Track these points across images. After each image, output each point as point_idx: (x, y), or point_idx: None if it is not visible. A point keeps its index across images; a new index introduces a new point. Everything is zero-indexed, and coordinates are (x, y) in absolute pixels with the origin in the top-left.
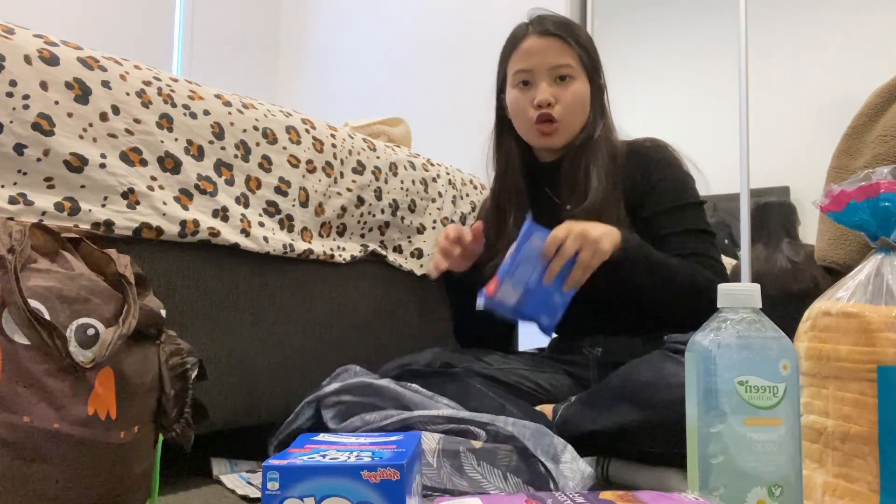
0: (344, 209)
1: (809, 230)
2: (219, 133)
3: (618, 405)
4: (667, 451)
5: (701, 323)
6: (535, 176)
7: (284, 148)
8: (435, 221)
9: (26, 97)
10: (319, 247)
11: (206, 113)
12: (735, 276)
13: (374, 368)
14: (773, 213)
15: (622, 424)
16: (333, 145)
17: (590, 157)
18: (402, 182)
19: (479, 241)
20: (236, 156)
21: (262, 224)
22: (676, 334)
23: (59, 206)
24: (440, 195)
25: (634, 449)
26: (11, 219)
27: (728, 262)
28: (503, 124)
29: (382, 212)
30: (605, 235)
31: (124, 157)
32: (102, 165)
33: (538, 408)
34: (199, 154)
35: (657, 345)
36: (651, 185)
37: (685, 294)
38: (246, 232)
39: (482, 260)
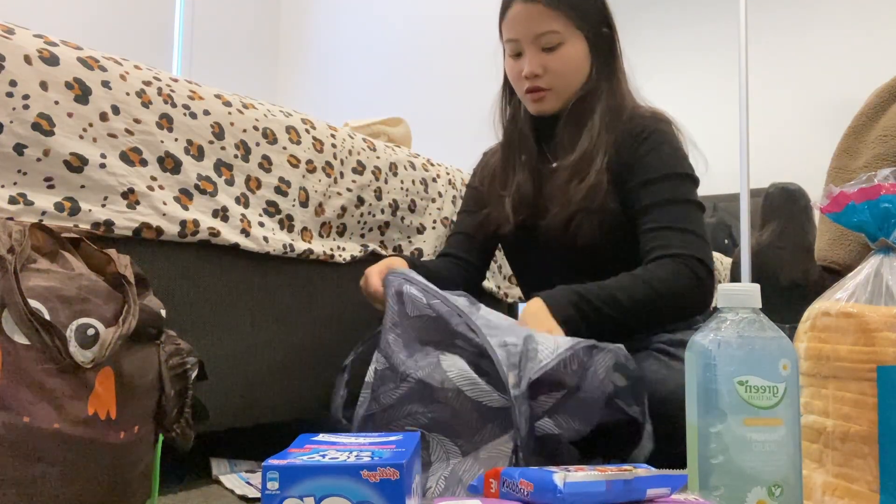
0: (344, 209)
1: None
2: (219, 133)
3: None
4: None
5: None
6: (536, 131)
7: (284, 148)
8: (435, 221)
9: (26, 97)
10: (319, 247)
11: (206, 113)
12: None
13: None
14: (788, 198)
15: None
16: (333, 145)
17: (584, 115)
18: (402, 182)
19: None
20: (236, 156)
21: (262, 224)
22: (663, 333)
23: (59, 206)
24: (440, 195)
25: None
26: (11, 219)
27: (728, 262)
28: (508, 82)
29: (382, 212)
30: (540, 322)
31: (124, 157)
32: (102, 165)
33: None
34: (199, 154)
35: (644, 343)
36: (637, 157)
37: (661, 308)
38: (246, 232)
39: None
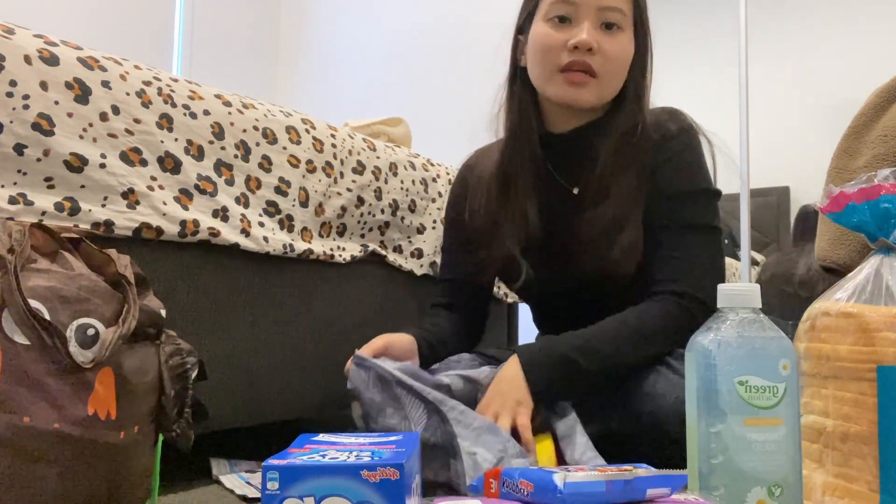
0: (344, 209)
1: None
2: (219, 133)
3: (606, 412)
4: (655, 457)
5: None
6: (543, 143)
7: (284, 148)
8: (435, 221)
9: (26, 97)
10: (319, 247)
11: (206, 113)
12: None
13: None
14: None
15: (609, 430)
16: (333, 145)
17: (616, 136)
18: (402, 182)
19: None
20: (236, 156)
21: (262, 224)
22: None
23: (59, 206)
24: (440, 195)
25: (623, 453)
26: (11, 219)
27: (730, 263)
28: (517, 75)
29: (382, 212)
30: (511, 392)
31: (124, 157)
32: (102, 165)
33: None
34: (199, 154)
35: None
36: (657, 164)
37: (646, 354)
38: (246, 232)
39: (476, 246)
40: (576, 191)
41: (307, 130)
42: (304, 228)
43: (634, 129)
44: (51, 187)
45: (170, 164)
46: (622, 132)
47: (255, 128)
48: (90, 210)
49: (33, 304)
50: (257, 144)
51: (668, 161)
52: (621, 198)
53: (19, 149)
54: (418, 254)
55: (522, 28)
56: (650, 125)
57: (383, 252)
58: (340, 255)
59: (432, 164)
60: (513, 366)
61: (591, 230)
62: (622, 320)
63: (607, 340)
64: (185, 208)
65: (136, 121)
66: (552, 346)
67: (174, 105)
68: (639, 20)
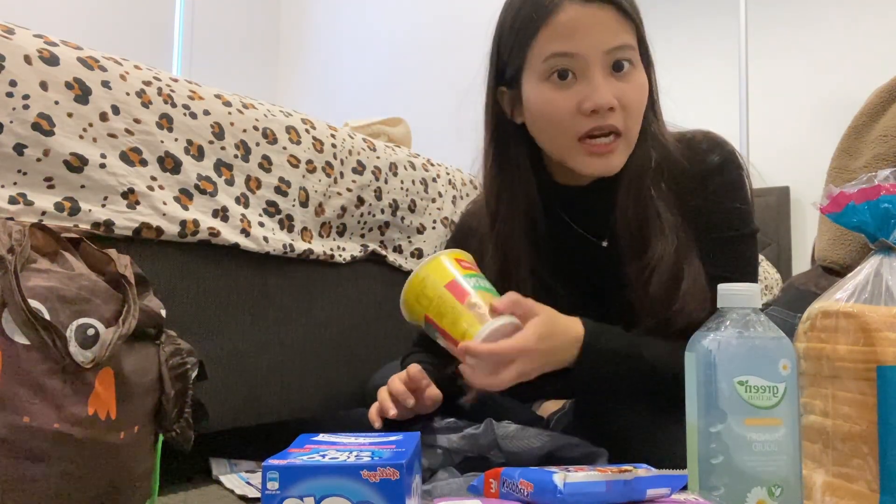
0: (344, 209)
1: (809, 230)
2: (219, 133)
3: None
4: None
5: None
6: (546, 196)
7: (284, 148)
8: (435, 221)
9: (26, 97)
10: (319, 247)
11: (206, 113)
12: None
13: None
14: None
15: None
16: (333, 145)
17: (642, 180)
18: (402, 182)
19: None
20: (236, 156)
21: (262, 224)
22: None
23: (59, 206)
24: (440, 195)
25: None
26: (11, 219)
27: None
28: (503, 131)
29: (382, 212)
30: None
31: (124, 157)
32: (102, 165)
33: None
34: (199, 154)
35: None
36: (696, 202)
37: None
38: (246, 232)
39: None
40: (604, 244)
41: (307, 130)
42: (304, 228)
43: (649, 162)
44: (51, 187)
45: (170, 164)
46: (639, 169)
47: (255, 128)
48: (90, 210)
49: (33, 304)
50: (257, 144)
51: (713, 198)
52: (665, 241)
53: (19, 149)
54: (418, 254)
55: (511, 81)
56: (683, 153)
57: (383, 252)
58: (340, 255)
59: (432, 164)
60: (570, 336)
61: (647, 292)
62: (666, 349)
63: (657, 354)
64: (185, 208)
65: (136, 121)
66: (619, 340)
67: (174, 105)
68: (641, 42)
